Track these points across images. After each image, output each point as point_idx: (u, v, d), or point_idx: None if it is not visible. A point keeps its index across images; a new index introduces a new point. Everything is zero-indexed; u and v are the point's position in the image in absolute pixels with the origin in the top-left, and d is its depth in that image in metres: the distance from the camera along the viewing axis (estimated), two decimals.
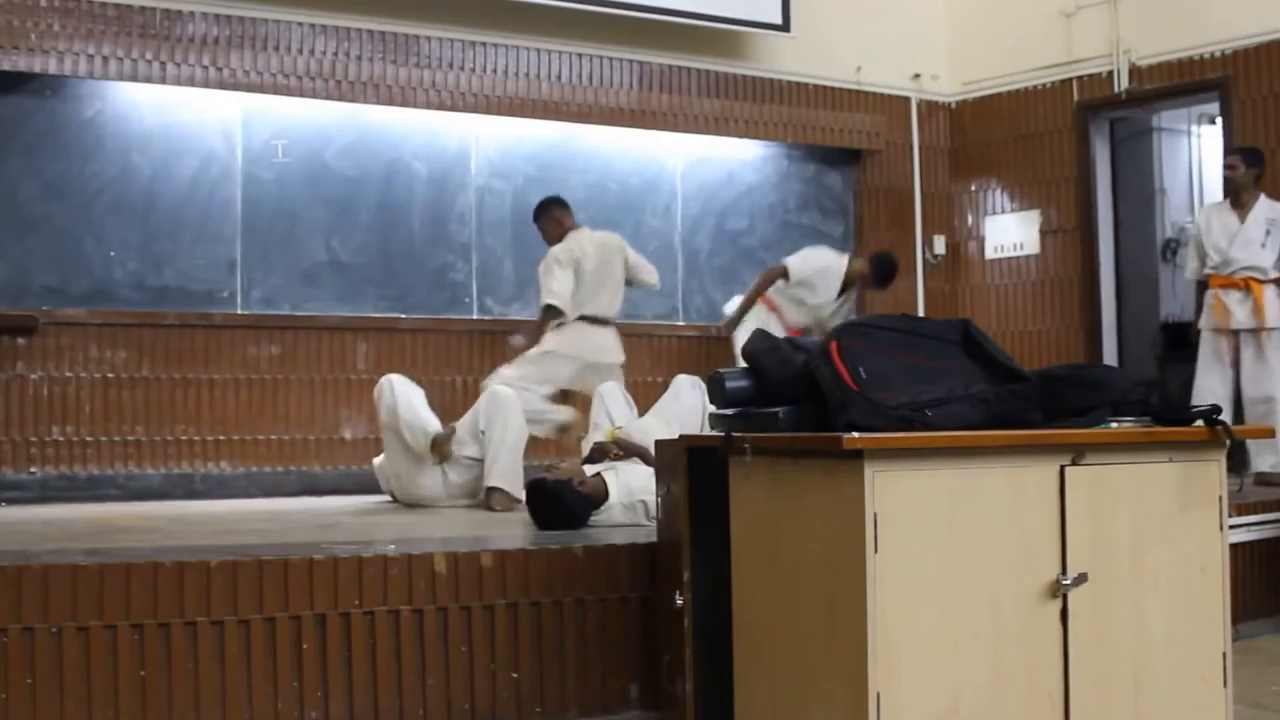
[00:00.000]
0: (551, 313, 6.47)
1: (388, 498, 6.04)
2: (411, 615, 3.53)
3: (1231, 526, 3.49)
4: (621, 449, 4.94)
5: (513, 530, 4.51)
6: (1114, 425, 3.00)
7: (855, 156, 8.82)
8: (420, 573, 3.55)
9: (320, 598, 3.44)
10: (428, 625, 3.54)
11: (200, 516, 5.35)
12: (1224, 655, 3.05)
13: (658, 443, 3.64)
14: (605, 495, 4.56)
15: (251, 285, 6.98)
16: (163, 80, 6.68)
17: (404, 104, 7.25)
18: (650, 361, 7.64)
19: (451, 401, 7.03)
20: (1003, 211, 8.95)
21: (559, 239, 6.64)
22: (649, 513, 4.44)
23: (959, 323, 3.03)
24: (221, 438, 6.81)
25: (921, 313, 8.80)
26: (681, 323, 8.16)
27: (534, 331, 6.56)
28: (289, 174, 7.10)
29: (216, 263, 6.91)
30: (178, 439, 6.72)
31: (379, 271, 7.30)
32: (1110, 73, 8.30)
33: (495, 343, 7.37)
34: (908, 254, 9.00)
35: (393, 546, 3.71)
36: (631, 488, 4.57)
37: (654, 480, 4.02)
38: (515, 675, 3.62)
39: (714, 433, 3.17)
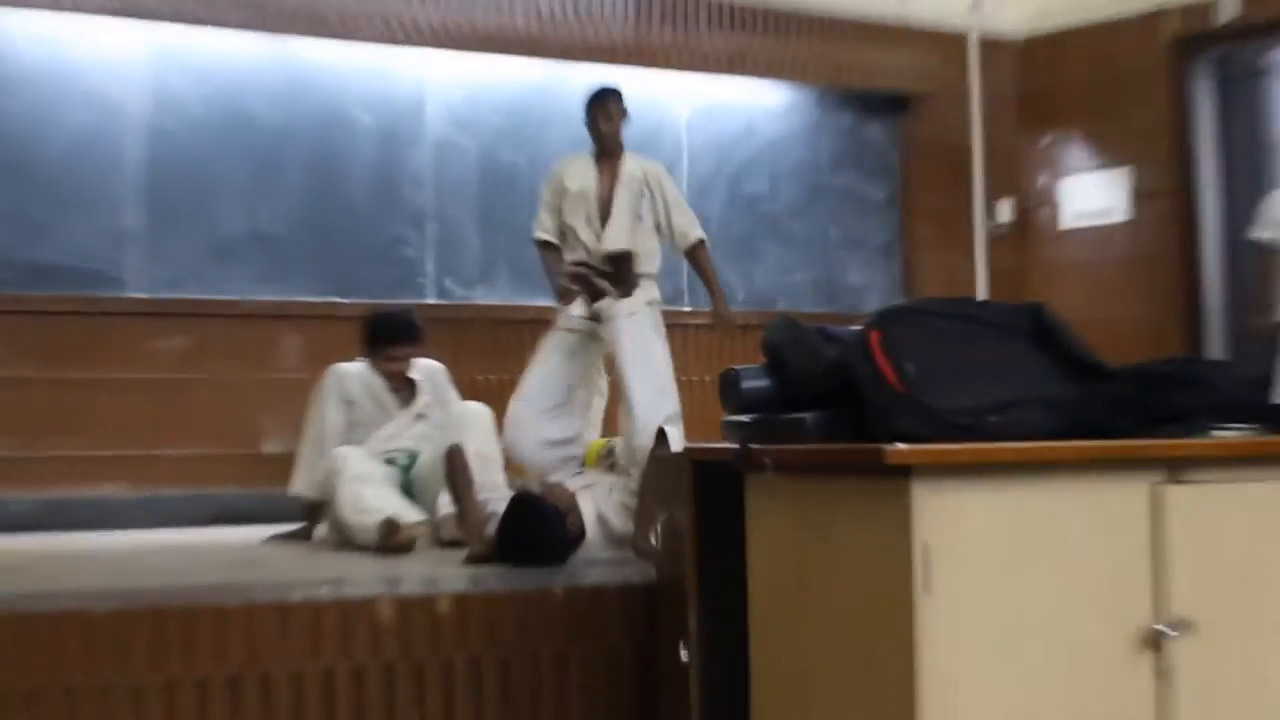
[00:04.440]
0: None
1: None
2: (350, 676, 3.53)
3: None
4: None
5: (476, 569, 4.50)
6: (1220, 434, 3.00)
7: (902, 104, 8.87)
8: (360, 622, 3.56)
9: (234, 655, 3.44)
10: (370, 687, 3.55)
11: (82, 553, 5.36)
12: None
13: (653, 455, 3.65)
14: (583, 533, 4.64)
15: (152, 262, 7.01)
16: (51, 6, 6.68)
17: (345, 37, 7.31)
18: None
19: None
20: (1083, 170, 8.97)
21: None
22: (615, 535, 4.60)
23: (1029, 308, 3.04)
24: (111, 453, 6.81)
25: (982, 295, 8.82)
26: (688, 308, 8.13)
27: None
28: (202, 124, 7.12)
29: (107, 234, 6.94)
30: (54, 455, 6.71)
31: (312, 246, 7.34)
32: None
33: (458, 332, 7.34)
34: (965, 223, 9.02)
35: (326, 589, 3.73)
36: (601, 514, 4.69)
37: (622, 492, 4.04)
38: None
39: (725, 444, 3.15)
